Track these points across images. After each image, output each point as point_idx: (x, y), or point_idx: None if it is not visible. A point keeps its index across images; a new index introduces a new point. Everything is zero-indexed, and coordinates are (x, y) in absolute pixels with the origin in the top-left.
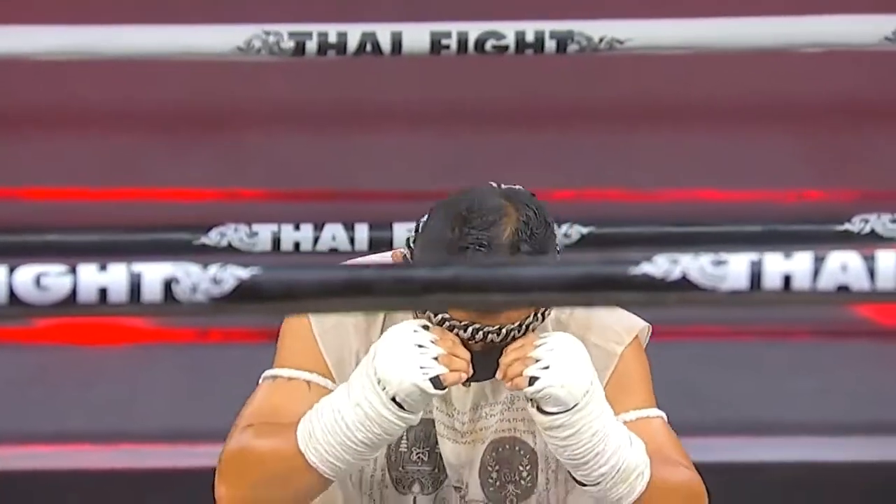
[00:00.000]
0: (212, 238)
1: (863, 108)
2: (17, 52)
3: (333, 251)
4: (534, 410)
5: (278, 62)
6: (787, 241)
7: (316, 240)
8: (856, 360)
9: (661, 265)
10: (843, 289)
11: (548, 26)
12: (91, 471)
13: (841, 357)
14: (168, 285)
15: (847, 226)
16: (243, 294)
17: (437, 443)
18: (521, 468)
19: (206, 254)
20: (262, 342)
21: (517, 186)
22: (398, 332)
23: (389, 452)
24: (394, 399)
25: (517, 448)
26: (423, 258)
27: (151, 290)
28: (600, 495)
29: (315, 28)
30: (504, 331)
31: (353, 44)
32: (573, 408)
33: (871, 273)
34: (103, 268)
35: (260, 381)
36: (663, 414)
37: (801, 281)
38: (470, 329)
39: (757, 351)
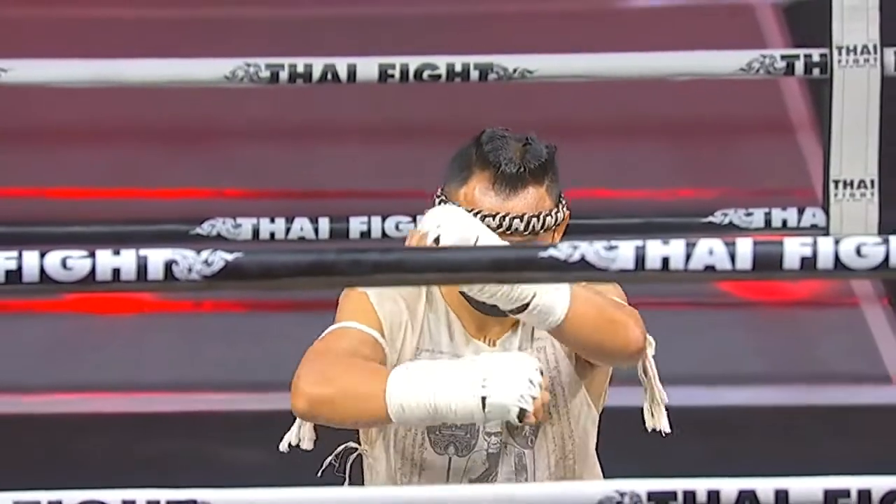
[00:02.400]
0: (204, 229)
1: (723, 125)
2: (44, 81)
3: (301, 239)
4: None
5: (257, 88)
6: (664, 231)
7: (287, 230)
8: (719, 325)
9: (564, 250)
10: (709, 268)
11: (472, 59)
12: (106, 414)
13: (708, 322)
14: (169, 266)
15: (711, 218)
16: (229, 273)
17: None
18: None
19: (199, 241)
20: (245, 311)
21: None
22: (522, 359)
23: None
24: (484, 399)
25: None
26: (448, 179)
27: (155, 270)
28: (537, 314)
29: (286, 61)
30: (526, 218)
31: (316, 73)
32: (477, 238)
33: (732, 256)
34: (116, 252)
35: (322, 334)
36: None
37: (676, 262)
38: (497, 217)
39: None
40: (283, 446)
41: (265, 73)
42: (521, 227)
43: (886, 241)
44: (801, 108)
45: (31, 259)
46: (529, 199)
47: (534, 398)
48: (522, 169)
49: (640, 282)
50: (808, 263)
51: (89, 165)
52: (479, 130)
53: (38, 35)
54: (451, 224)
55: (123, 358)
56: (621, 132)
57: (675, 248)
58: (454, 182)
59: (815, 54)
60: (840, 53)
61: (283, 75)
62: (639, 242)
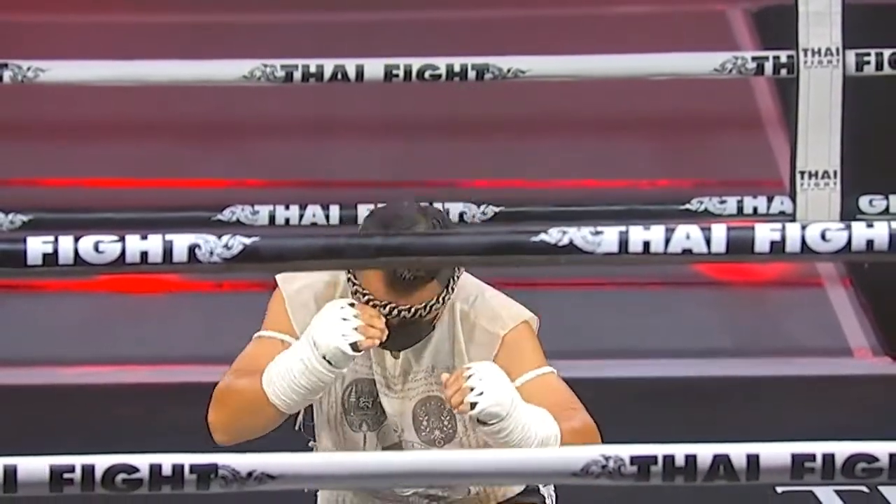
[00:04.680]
0: (224, 215)
1: (698, 120)
2: (77, 80)
3: (314, 225)
4: (475, 423)
5: (273, 87)
6: (645, 217)
7: (301, 217)
8: (695, 303)
9: (553, 235)
10: (686, 251)
11: (470, 60)
12: (136, 385)
13: (685, 301)
14: (192, 250)
15: (688, 206)
16: (247, 256)
17: (377, 396)
18: (443, 418)
19: (220, 227)
20: (261, 291)
21: (429, 204)
22: (330, 307)
23: (344, 400)
24: (325, 357)
25: (440, 404)
26: None
27: (180, 253)
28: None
29: (300, 62)
30: (413, 309)
31: (327, 73)
32: (505, 416)
33: (707, 241)
34: (144, 237)
35: (252, 338)
36: (553, 370)
37: (657, 246)
38: (388, 307)
39: (624, 297)
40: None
41: (280, 73)
42: (408, 316)
43: (848, 227)
44: (770, 105)
45: (66, 243)
46: (419, 295)
47: (355, 329)
48: (415, 277)
49: (624, 264)
50: (777, 247)
51: (120, 158)
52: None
53: (74, 38)
54: (491, 393)
55: (151, 333)
56: (605, 127)
57: (655, 233)
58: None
59: (783, 56)
60: (806, 55)
61: (297, 75)
62: (622, 228)
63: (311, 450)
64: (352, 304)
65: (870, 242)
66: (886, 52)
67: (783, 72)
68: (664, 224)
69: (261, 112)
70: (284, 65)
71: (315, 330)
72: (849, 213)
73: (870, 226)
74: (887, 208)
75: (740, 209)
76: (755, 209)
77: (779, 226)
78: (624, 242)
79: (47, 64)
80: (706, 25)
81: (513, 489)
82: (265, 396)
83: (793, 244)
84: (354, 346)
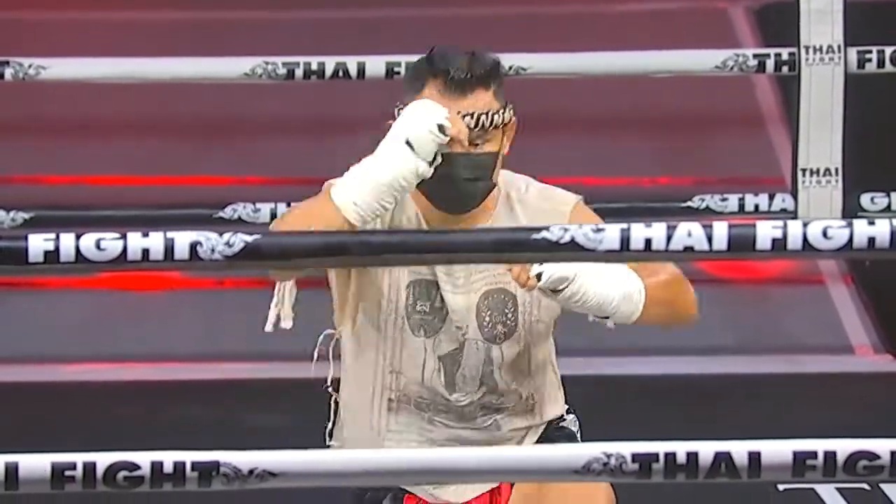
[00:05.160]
0: (226, 213)
1: (700, 118)
2: (78, 78)
3: None
4: (551, 296)
5: (275, 84)
6: (647, 215)
7: None
8: (698, 301)
9: (555, 232)
10: (688, 249)
11: None
12: (137, 382)
13: None
14: (194, 247)
15: (689, 203)
16: (249, 254)
17: (437, 298)
18: (506, 311)
19: (221, 224)
20: (262, 288)
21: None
22: (413, 104)
23: (407, 306)
24: (408, 142)
25: (504, 297)
26: (405, 91)
27: (181, 250)
28: (617, 320)
29: (301, 59)
30: (476, 116)
31: (329, 70)
32: (573, 277)
33: (709, 238)
34: (146, 235)
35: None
36: None
37: (658, 243)
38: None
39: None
40: (268, 327)
41: (282, 71)
42: (472, 124)
43: (850, 224)
44: (772, 102)
45: (67, 240)
46: (478, 101)
47: (446, 118)
48: (470, 74)
49: (625, 261)
50: (779, 244)
51: (121, 155)
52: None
53: (75, 36)
54: (556, 265)
55: (153, 331)
56: (607, 125)
57: (657, 231)
58: (410, 93)
59: (784, 53)
60: (807, 52)
61: (299, 72)
62: (624, 225)
63: (325, 443)
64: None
65: (871, 240)
66: (888, 50)
67: (785, 69)
68: (666, 221)
69: (262, 109)
70: (286, 62)
71: (400, 119)
72: (850, 210)
73: (871, 223)
74: (889, 206)
75: (742, 207)
76: (757, 207)
77: (780, 223)
78: (626, 240)
79: (48, 61)
80: (708, 23)
81: (556, 402)
82: (333, 209)
83: (794, 242)
84: (441, 128)
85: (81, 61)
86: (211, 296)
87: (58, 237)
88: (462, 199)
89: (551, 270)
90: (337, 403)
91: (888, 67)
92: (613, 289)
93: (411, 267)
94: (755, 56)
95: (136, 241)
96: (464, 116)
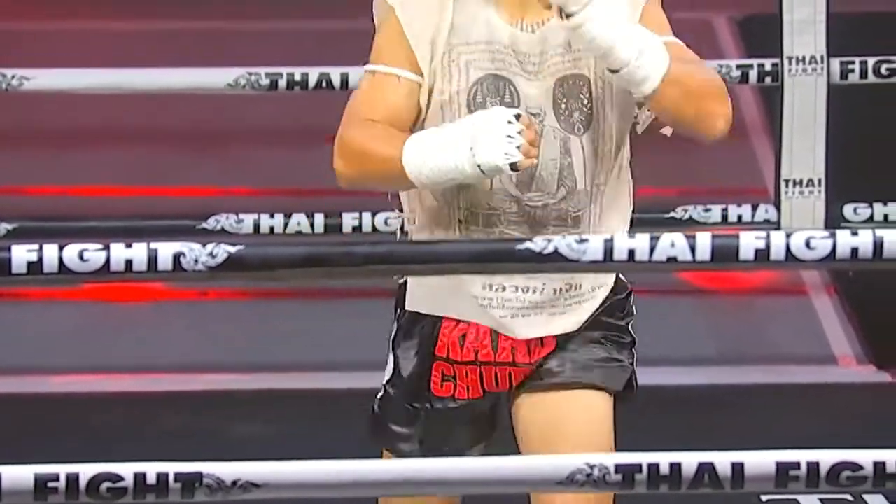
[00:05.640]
0: (209, 224)
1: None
2: (62, 88)
3: (298, 233)
4: (565, 23)
5: (258, 94)
6: (630, 226)
7: (286, 225)
8: (680, 311)
9: (538, 243)
10: (671, 259)
11: None
12: (122, 393)
13: (669, 309)
14: (177, 258)
15: (672, 214)
16: (232, 265)
17: (507, 92)
18: (582, 97)
19: (205, 235)
20: (246, 299)
21: None
22: (497, 115)
23: (470, 101)
24: (479, 166)
25: (579, 82)
26: None
27: (164, 261)
28: (631, 82)
29: (284, 70)
30: None
31: (312, 81)
32: (590, 2)
33: (692, 248)
34: (129, 246)
35: (362, 74)
36: (683, 43)
37: (642, 254)
38: None
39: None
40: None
41: (265, 82)
42: None
43: (833, 235)
44: (755, 113)
45: (50, 251)
46: None
47: (518, 147)
48: None
49: (609, 271)
50: (762, 255)
51: (104, 166)
52: None
53: (59, 46)
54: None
55: (137, 342)
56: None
57: (640, 242)
58: None
59: (767, 64)
60: (790, 63)
61: (282, 83)
62: (607, 236)
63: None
64: (517, 117)
65: (854, 250)
66: (871, 61)
67: (768, 80)
68: (649, 232)
69: (245, 120)
70: (269, 73)
71: (477, 137)
72: (833, 221)
73: (854, 234)
74: (872, 216)
75: (725, 217)
76: (740, 217)
77: (763, 234)
78: (609, 250)
79: (32, 72)
80: (691, 33)
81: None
82: (403, 171)
83: (777, 252)
84: (513, 166)
85: (65, 72)
86: (195, 307)
87: (41, 248)
88: None
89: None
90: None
91: (871, 78)
92: (628, 40)
93: (478, 62)
94: (738, 67)
95: (119, 252)
96: None
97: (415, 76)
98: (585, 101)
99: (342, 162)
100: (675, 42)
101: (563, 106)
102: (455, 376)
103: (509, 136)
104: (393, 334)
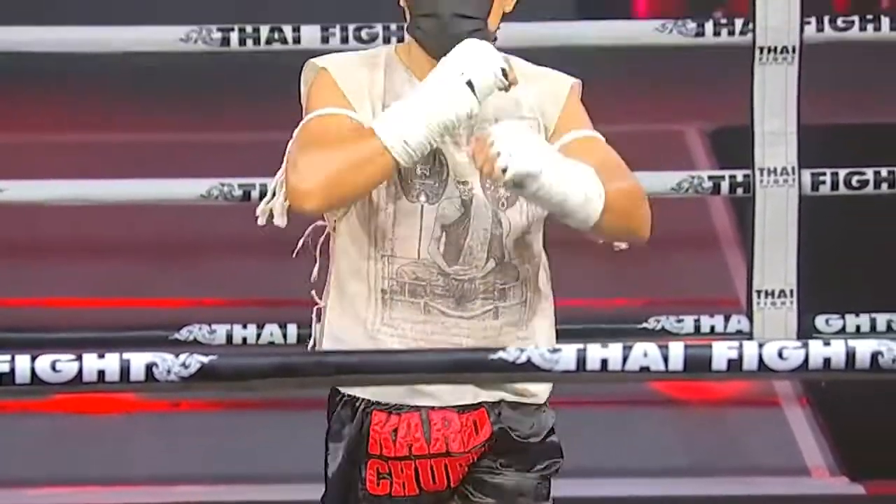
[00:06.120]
0: (182, 335)
1: (655, 239)
2: (37, 199)
3: (271, 344)
4: (514, 190)
5: (231, 206)
6: (603, 336)
7: (258, 335)
8: (653, 422)
9: (512, 353)
10: (644, 369)
11: None
12: None
13: (642, 420)
14: (150, 368)
15: (645, 325)
16: (204, 375)
17: (436, 161)
18: None
19: (177, 346)
20: (219, 410)
21: None
22: (472, 42)
23: (403, 169)
24: (469, 84)
25: None
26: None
27: (137, 372)
28: (574, 223)
29: (257, 181)
30: None
31: None
32: (539, 173)
33: (665, 358)
34: (101, 356)
35: (298, 128)
36: (600, 136)
37: (615, 363)
38: None
39: (580, 415)
40: (261, 221)
41: (238, 192)
42: None
43: (806, 345)
44: (727, 223)
45: (23, 362)
46: None
47: (503, 65)
48: None
49: (582, 381)
50: (735, 365)
51: (77, 278)
52: None
53: (32, 158)
54: (519, 153)
55: (108, 453)
56: (559, 244)
57: (613, 351)
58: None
59: (739, 175)
60: (762, 174)
61: (255, 194)
62: (580, 345)
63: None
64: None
65: (827, 361)
66: (842, 172)
67: (739, 191)
68: (622, 342)
69: (218, 231)
70: (242, 184)
71: (454, 60)
72: (806, 332)
73: (827, 344)
74: (844, 328)
75: (697, 328)
76: (712, 328)
77: (736, 343)
78: (582, 360)
79: (4, 184)
80: (663, 145)
81: (545, 318)
82: (379, 145)
83: (750, 362)
84: (504, 72)
85: (38, 184)
86: (167, 418)
87: (13, 359)
88: (451, 39)
89: (517, 166)
90: (320, 311)
91: (842, 189)
92: (577, 189)
93: None
94: (710, 178)
95: (91, 363)
96: None
97: (355, 115)
98: None
99: (309, 178)
100: (594, 138)
101: (489, 180)
102: (391, 473)
103: (493, 58)
104: (326, 432)
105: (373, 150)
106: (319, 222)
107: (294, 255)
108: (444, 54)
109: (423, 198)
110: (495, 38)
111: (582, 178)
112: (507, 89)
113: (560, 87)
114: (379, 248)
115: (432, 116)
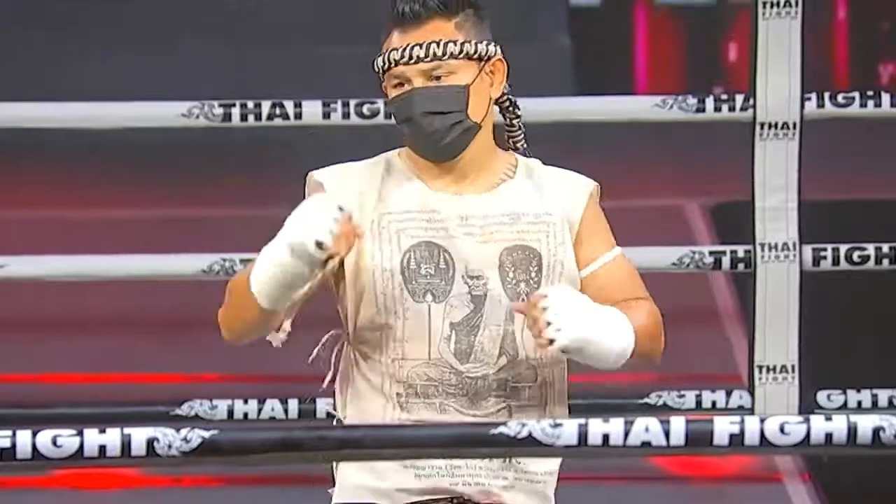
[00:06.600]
0: (183, 410)
1: None
2: (37, 275)
3: (272, 419)
4: (561, 354)
5: None
6: (604, 411)
7: (259, 410)
8: (654, 498)
9: (513, 427)
10: (646, 444)
11: None
12: None
13: (644, 496)
14: (150, 443)
15: (646, 400)
16: (206, 450)
17: (441, 259)
18: (531, 269)
19: (178, 421)
20: (220, 485)
21: None
22: (313, 201)
23: (403, 269)
24: (289, 246)
25: (529, 254)
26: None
27: (138, 446)
28: (606, 364)
29: (257, 256)
30: (426, 46)
31: None
32: (584, 347)
33: (667, 433)
34: (103, 431)
35: None
36: (620, 249)
37: (616, 438)
38: (400, 50)
39: (582, 491)
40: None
41: (239, 268)
42: (422, 54)
43: (807, 420)
44: (728, 299)
45: (24, 437)
46: (434, 31)
47: (332, 232)
48: (420, 5)
49: (583, 456)
50: (736, 440)
51: (77, 353)
52: None
53: (31, 235)
54: (568, 326)
55: None
56: None
57: (614, 426)
58: (384, 41)
59: (740, 250)
60: (762, 250)
61: None
62: (581, 420)
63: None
64: (341, 209)
65: (829, 435)
66: (843, 248)
67: (740, 266)
68: (623, 417)
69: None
70: (244, 259)
71: (289, 220)
72: (807, 407)
73: (828, 419)
74: (846, 403)
75: (699, 403)
76: (714, 403)
77: (738, 418)
78: (583, 435)
79: (4, 259)
80: (664, 220)
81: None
82: (249, 289)
83: (752, 437)
84: (319, 245)
85: (38, 259)
86: (168, 494)
87: (14, 434)
88: (431, 138)
89: (564, 340)
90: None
91: (843, 265)
92: (615, 348)
93: (410, 230)
94: (711, 253)
95: (92, 438)
96: (412, 47)
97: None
98: (534, 275)
99: (220, 314)
100: (617, 259)
101: (511, 275)
102: None
103: (320, 216)
104: None
105: (247, 293)
106: (335, 331)
107: (310, 361)
108: (435, 153)
109: (429, 297)
110: (516, 112)
111: (619, 338)
112: (324, 263)
113: (580, 189)
114: (390, 352)
115: (270, 272)
